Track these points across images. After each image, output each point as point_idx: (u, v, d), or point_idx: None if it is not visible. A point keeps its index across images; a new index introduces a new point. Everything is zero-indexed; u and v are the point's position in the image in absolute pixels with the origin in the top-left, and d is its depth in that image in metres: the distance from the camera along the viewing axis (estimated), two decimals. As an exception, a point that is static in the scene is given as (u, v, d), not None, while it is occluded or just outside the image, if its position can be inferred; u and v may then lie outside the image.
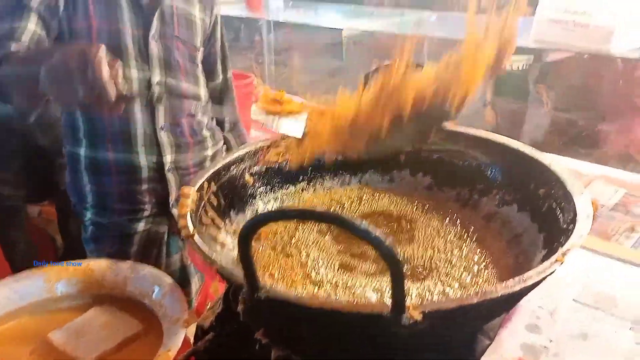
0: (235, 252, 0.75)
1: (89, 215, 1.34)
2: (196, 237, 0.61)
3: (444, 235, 0.82)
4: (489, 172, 0.86)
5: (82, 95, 0.80)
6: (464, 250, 0.78)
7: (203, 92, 1.37)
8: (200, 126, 1.36)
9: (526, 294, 0.58)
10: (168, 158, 1.30)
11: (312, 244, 0.78)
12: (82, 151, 1.27)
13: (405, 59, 0.69)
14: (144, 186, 1.30)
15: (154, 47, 1.22)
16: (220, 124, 1.50)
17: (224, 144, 1.50)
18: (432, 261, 0.75)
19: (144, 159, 1.27)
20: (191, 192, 0.72)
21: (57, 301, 1.02)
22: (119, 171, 1.27)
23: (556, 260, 0.54)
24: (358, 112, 0.70)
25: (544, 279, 0.53)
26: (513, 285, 0.50)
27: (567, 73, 2.53)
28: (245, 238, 0.46)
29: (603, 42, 1.37)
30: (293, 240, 0.79)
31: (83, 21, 1.14)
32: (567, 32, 1.43)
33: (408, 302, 0.46)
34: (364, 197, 0.93)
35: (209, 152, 1.40)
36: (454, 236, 0.82)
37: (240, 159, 0.85)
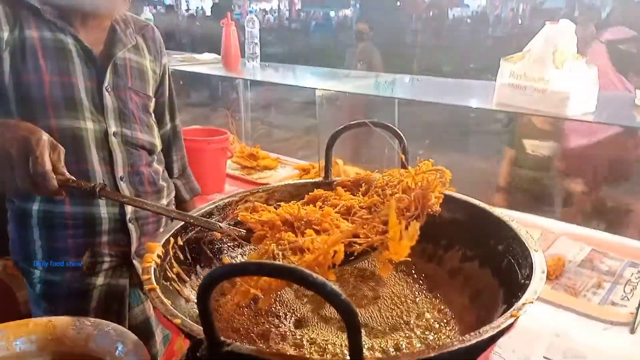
0: (200, 308, 0.74)
1: (37, 273, 1.28)
2: (158, 291, 0.61)
3: (409, 290, 0.83)
4: (451, 228, 0.88)
5: (20, 183, 0.81)
6: (428, 306, 0.79)
7: (158, 141, 1.39)
8: (157, 175, 1.37)
9: (485, 348, 0.59)
10: (129, 208, 1.28)
11: (276, 297, 0.78)
12: (35, 205, 1.23)
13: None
14: (104, 238, 1.27)
15: (109, 99, 1.23)
16: (169, 170, 1.52)
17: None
18: (398, 316, 0.76)
19: (104, 211, 1.25)
20: (156, 246, 0.72)
21: (16, 359, 0.98)
22: (77, 224, 1.24)
23: (511, 315, 0.56)
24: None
25: (500, 332, 0.54)
26: (469, 339, 0.51)
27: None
28: (205, 293, 0.47)
29: (560, 106, 1.45)
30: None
31: (34, 75, 1.14)
32: (526, 96, 1.51)
33: (367, 355, 0.47)
34: (332, 252, 0.94)
35: (165, 202, 1.41)
36: (419, 291, 0.83)
37: (209, 214, 0.86)
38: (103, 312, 1.30)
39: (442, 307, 0.78)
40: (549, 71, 1.46)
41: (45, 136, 0.82)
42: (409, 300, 0.81)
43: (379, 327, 0.73)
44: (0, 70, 1.12)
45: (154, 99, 1.38)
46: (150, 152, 1.36)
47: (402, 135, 0.92)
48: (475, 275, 0.82)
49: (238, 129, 3.02)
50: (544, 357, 1.18)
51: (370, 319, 0.75)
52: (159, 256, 0.70)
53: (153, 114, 1.39)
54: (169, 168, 1.51)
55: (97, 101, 1.21)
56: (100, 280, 1.30)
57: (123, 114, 1.26)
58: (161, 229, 1.28)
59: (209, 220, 0.83)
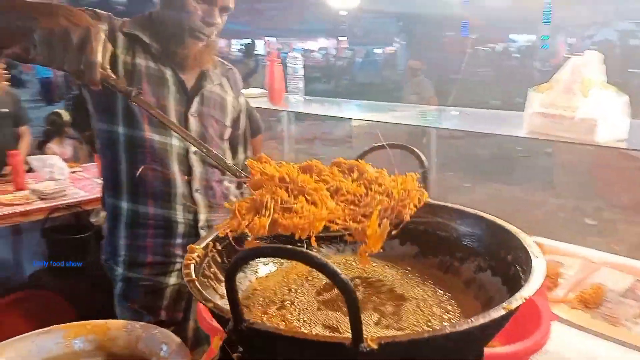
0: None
1: (119, 270, 1.46)
2: (196, 283, 0.71)
3: (427, 300, 0.89)
4: (467, 242, 0.94)
5: (68, 66, 0.89)
6: (444, 315, 0.84)
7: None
8: (228, 191, 1.56)
9: (481, 338, 0.64)
10: (202, 217, 1.46)
11: (299, 307, 0.86)
12: (124, 205, 1.41)
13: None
14: (179, 240, 1.45)
15: (192, 123, 1.43)
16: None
17: None
18: (416, 323, 0.82)
19: (181, 216, 1.43)
20: (197, 249, 0.83)
21: (73, 356, 1.09)
22: (157, 225, 1.42)
23: (502, 308, 0.62)
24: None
25: (491, 322, 0.60)
26: (461, 325, 0.58)
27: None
28: (231, 274, 0.56)
29: (588, 133, 1.48)
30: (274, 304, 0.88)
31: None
32: (554, 124, 1.55)
33: (367, 334, 0.54)
34: (356, 264, 1.01)
35: None
36: (436, 300, 0.88)
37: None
38: (172, 309, 1.46)
39: (455, 311, 0.84)
40: (577, 99, 1.51)
41: (102, 32, 0.92)
42: (427, 307, 0.86)
43: (393, 323, 0.80)
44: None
45: (230, 129, 1.58)
46: (222, 172, 1.53)
47: (421, 156, 1.00)
48: (487, 284, 0.87)
49: (283, 159, 3.16)
50: (582, 384, 1.18)
51: (385, 317, 0.81)
52: (198, 256, 0.80)
53: (230, 145, 1.60)
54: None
55: (183, 124, 1.41)
56: (172, 279, 1.47)
57: (203, 137, 1.45)
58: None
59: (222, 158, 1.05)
